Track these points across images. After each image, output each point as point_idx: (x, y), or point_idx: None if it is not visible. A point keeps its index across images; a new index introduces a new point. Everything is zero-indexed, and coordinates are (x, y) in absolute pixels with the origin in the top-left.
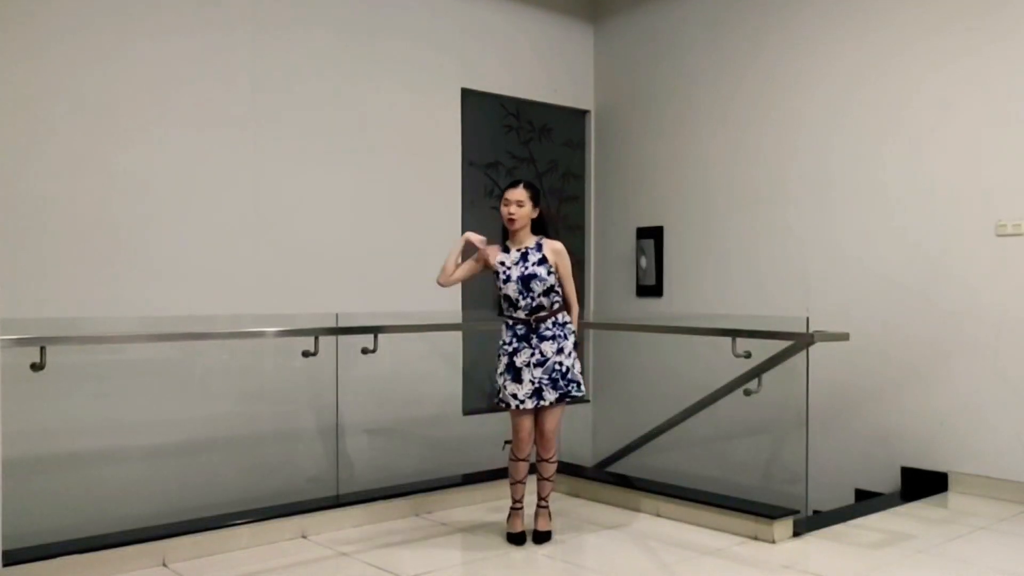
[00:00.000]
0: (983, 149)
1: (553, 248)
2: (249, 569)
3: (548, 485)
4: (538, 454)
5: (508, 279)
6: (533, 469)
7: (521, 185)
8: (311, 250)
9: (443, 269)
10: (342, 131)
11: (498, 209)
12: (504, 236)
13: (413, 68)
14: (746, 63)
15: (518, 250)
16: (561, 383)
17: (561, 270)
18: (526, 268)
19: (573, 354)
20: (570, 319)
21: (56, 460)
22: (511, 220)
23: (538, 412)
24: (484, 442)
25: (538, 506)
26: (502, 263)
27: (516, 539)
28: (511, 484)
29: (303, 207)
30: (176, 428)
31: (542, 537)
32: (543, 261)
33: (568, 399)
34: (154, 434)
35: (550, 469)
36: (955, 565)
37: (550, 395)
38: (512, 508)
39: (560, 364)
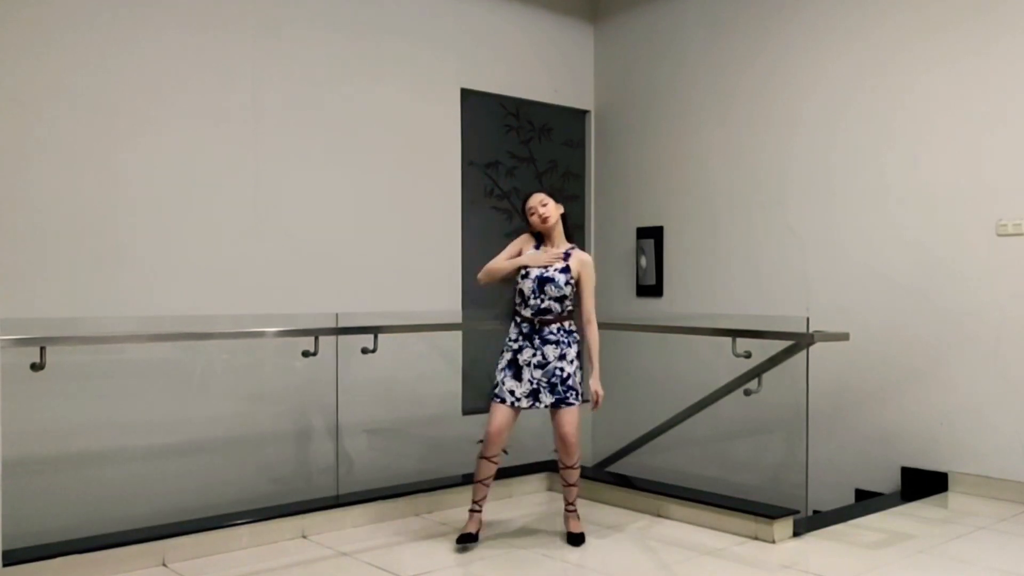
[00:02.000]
0: (983, 149)
1: (580, 259)
2: (249, 569)
3: (574, 490)
4: (560, 460)
5: (527, 275)
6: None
7: (536, 192)
8: (311, 250)
9: (491, 267)
10: (342, 131)
11: (497, 208)
12: (539, 241)
13: (413, 68)
14: (746, 62)
15: (546, 251)
16: (559, 388)
17: (584, 282)
18: (546, 270)
19: (576, 363)
20: (576, 329)
21: (56, 460)
22: (545, 219)
23: (556, 423)
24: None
25: (566, 510)
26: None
27: (463, 538)
28: (474, 483)
29: (303, 207)
30: (176, 428)
31: (576, 539)
32: (566, 270)
33: (565, 404)
34: (154, 434)
35: (574, 475)
36: (955, 565)
37: (546, 398)
38: (471, 509)
39: (561, 370)
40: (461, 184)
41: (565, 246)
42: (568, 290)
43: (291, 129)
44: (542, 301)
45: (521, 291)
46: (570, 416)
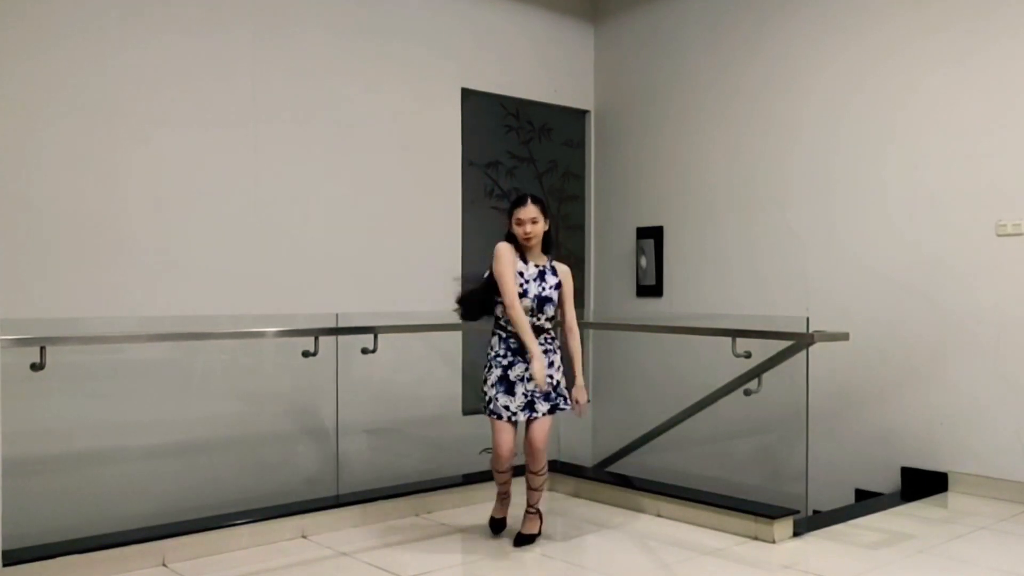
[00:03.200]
0: (983, 149)
1: (564, 271)
2: (249, 569)
3: (537, 495)
4: (527, 466)
5: (526, 293)
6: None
7: (530, 200)
8: (311, 250)
9: (520, 324)
10: (342, 131)
11: (497, 209)
12: (509, 239)
13: (413, 68)
14: (746, 63)
15: (536, 266)
16: (552, 395)
17: (566, 292)
18: (543, 289)
19: (561, 368)
20: (556, 336)
21: (56, 460)
22: (528, 239)
23: (528, 425)
24: (484, 442)
25: (527, 512)
26: (520, 273)
27: (494, 525)
28: (498, 491)
29: (303, 207)
30: (176, 428)
31: (524, 540)
32: (558, 286)
33: (559, 410)
34: (154, 434)
35: (539, 480)
36: (955, 565)
37: (542, 407)
38: (498, 494)
39: (551, 378)
40: (461, 184)
41: (543, 259)
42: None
43: (291, 129)
44: (538, 320)
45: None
46: (544, 424)
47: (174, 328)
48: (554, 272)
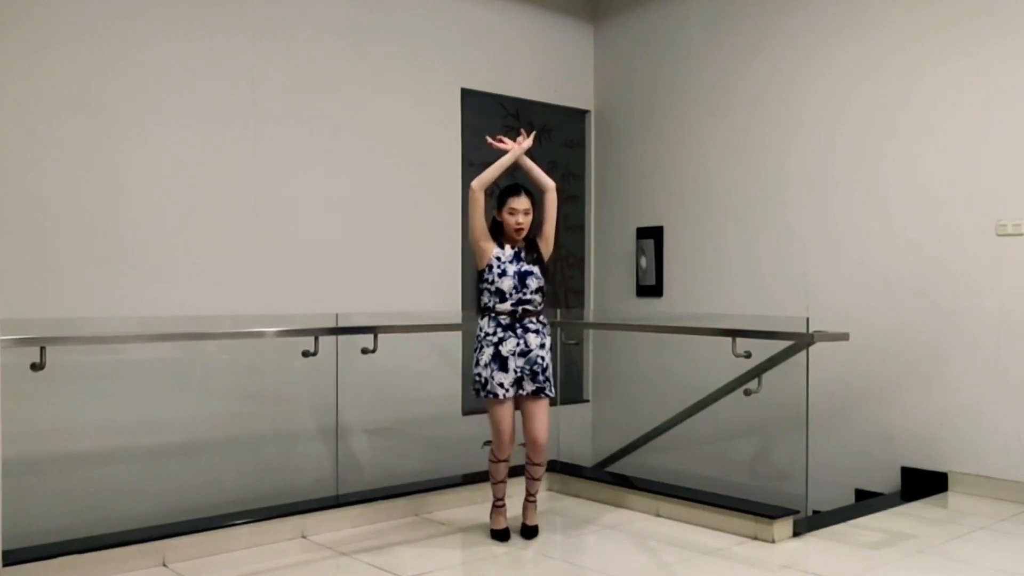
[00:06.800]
0: (983, 149)
1: (542, 236)
2: (249, 569)
3: (537, 484)
4: (528, 458)
5: (504, 273)
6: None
7: (523, 192)
8: (311, 250)
9: (487, 177)
10: (342, 132)
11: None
12: (494, 231)
13: (413, 69)
14: (746, 62)
15: (512, 248)
16: (540, 377)
17: (547, 222)
18: (522, 265)
19: (550, 354)
20: (548, 322)
21: (56, 460)
22: (520, 230)
23: (528, 419)
24: (484, 442)
25: (527, 500)
26: (498, 258)
27: (500, 535)
28: (493, 484)
29: (303, 207)
30: (176, 428)
31: (531, 532)
32: (537, 260)
33: (543, 395)
34: (154, 434)
35: (540, 471)
36: (955, 565)
37: (528, 386)
38: (495, 506)
39: (542, 358)
40: (461, 184)
41: (522, 241)
42: (544, 281)
43: (291, 130)
44: (524, 294)
45: (499, 289)
46: (544, 415)
47: (174, 328)
48: (533, 247)
